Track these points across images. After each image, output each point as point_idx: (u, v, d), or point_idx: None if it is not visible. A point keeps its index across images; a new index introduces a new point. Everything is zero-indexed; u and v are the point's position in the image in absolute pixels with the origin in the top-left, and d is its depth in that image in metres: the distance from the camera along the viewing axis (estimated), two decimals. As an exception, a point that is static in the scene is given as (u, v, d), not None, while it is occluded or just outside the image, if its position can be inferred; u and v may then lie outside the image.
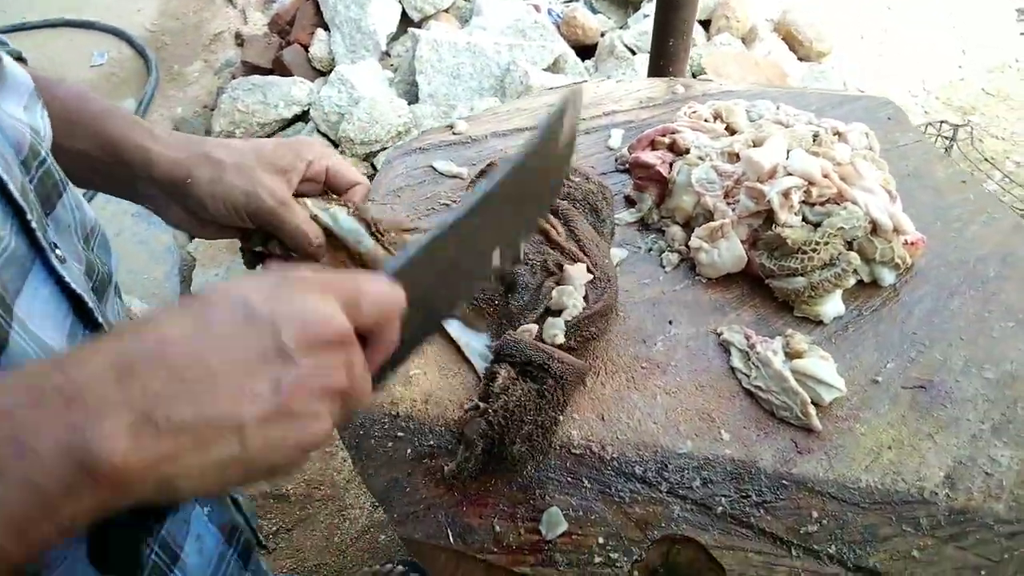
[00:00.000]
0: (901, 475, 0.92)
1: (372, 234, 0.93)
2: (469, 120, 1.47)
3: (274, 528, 2.48)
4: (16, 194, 0.62)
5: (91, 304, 0.71)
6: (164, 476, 0.45)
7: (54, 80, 0.85)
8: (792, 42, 3.66)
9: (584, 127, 1.43)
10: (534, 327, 1.04)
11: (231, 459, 0.48)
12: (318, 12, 4.15)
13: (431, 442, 1.00)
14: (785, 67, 3.38)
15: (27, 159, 0.69)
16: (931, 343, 1.06)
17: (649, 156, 1.25)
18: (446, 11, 4.16)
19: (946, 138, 2.92)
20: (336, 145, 3.50)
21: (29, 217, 0.63)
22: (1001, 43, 3.93)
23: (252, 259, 0.95)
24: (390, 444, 1.01)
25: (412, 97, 3.71)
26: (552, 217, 1.16)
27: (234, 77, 4.21)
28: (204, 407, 0.46)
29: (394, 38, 4.13)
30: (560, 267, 1.09)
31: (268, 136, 3.91)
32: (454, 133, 1.44)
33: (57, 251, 0.67)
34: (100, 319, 0.72)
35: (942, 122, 2.85)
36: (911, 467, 0.93)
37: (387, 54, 4.12)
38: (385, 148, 3.37)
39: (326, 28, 4.14)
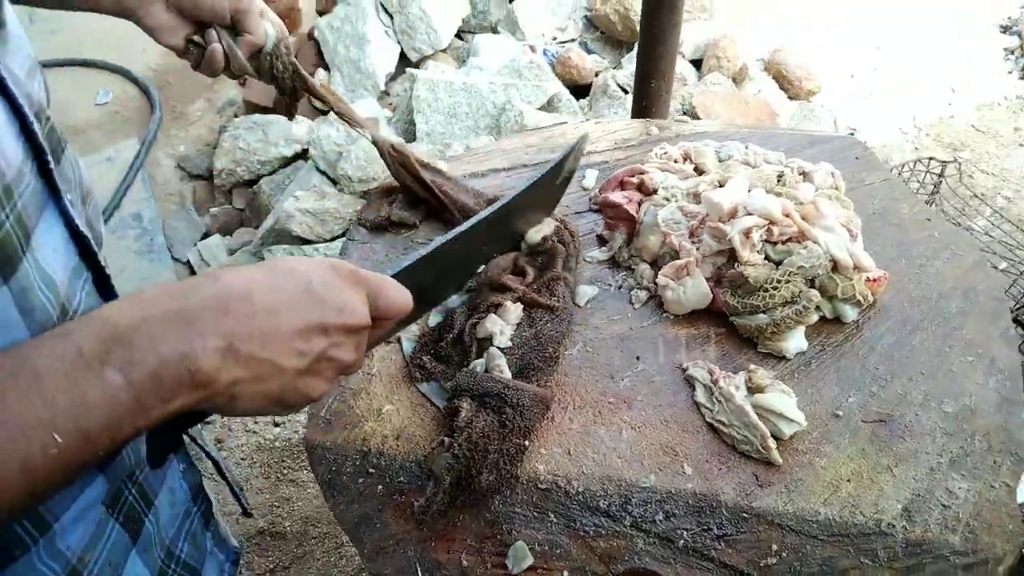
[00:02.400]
0: (859, 508, 0.94)
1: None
2: (450, 160, 1.51)
3: (271, 566, 2.49)
4: (40, 136, 0.69)
5: (95, 247, 0.78)
6: (232, 393, 0.61)
7: None
8: (782, 81, 3.71)
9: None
10: (482, 361, 1.07)
11: (270, 394, 0.65)
12: (319, 52, 4.24)
13: (401, 479, 1.02)
14: (775, 106, 3.44)
15: (38, 113, 0.74)
16: (892, 378, 1.08)
17: (617, 196, 1.28)
18: (444, 51, 4.25)
19: (935, 174, 2.95)
20: (335, 183, 3.56)
21: (48, 159, 0.70)
22: (989, 80, 3.99)
23: (196, 52, 1.16)
24: (361, 480, 1.03)
25: (410, 136, 3.77)
26: (525, 258, 1.22)
27: (236, 116, 4.29)
28: (270, 351, 0.63)
29: (392, 78, 4.21)
30: (496, 306, 1.14)
31: (271, 173, 3.98)
32: (435, 174, 1.48)
33: (68, 196, 0.74)
34: (103, 264, 0.79)
35: (930, 159, 2.88)
36: (869, 500, 0.94)
37: (386, 93, 4.20)
38: (382, 186, 3.41)
39: (327, 68, 4.22)
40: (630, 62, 3.86)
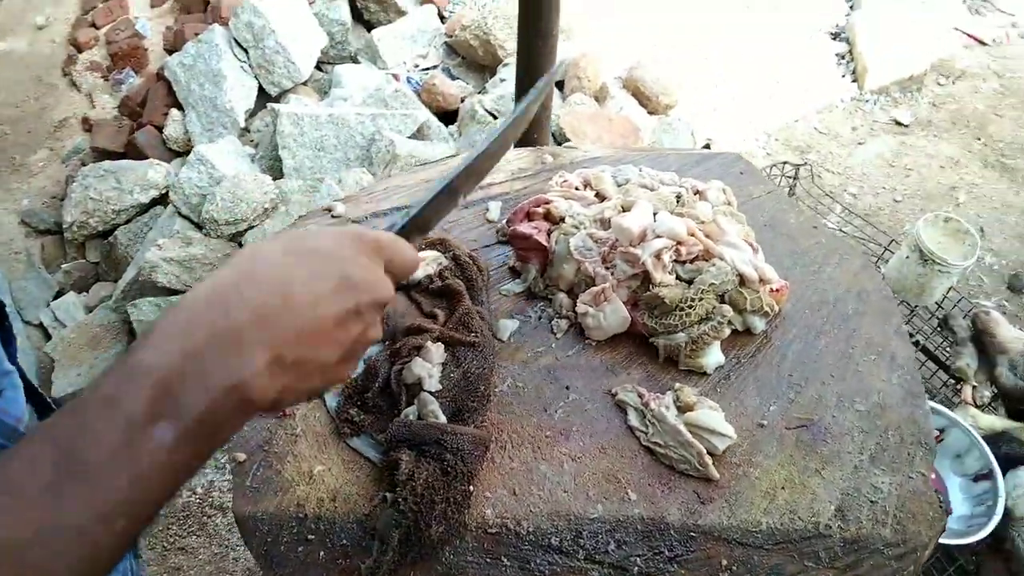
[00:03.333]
0: (797, 513, 0.98)
1: None
2: (346, 201, 1.47)
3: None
4: None
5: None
6: (277, 399, 0.58)
7: None
8: (640, 97, 3.86)
9: (464, 201, 1.46)
10: (413, 408, 1.05)
11: (312, 389, 0.62)
12: (171, 92, 4.05)
13: (344, 541, 0.98)
14: (637, 122, 3.57)
15: None
16: (806, 383, 1.14)
17: (526, 227, 1.29)
18: (304, 84, 4.16)
19: (789, 178, 3.14)
20: (200, 227, 3.40)
21: None
22: (827, 85, 4.30)
23: None
24: (300, 548, 0.98)
25: (277, 172, 3.66)
26: (424, 298, 1.22)
27: (84, 164, 4.03)
28: (314, 351, 0.60)
29: (252, 114, 4.08)
30: (418, 349, 1.12)
31: (127, 222, 3.76)
32: (333, 216, 1.44)
33: None
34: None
35: (784, 163, 3.06)
36: (804, 504, 0.99)
37: (246, 130, 4.06)
38: (252, 227, 3.30)
39: (180, 108, 4.05)
40: (495, 86, 3.91)
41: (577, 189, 1.39)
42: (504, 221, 1.38)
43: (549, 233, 1.29)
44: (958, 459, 1.85)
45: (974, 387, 2.38)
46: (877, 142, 3.96)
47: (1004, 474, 1.83)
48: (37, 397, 0.84)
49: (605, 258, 1.22)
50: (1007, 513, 1.77)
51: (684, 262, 1.20)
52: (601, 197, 1.37)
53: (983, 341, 2.48)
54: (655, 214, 1.23)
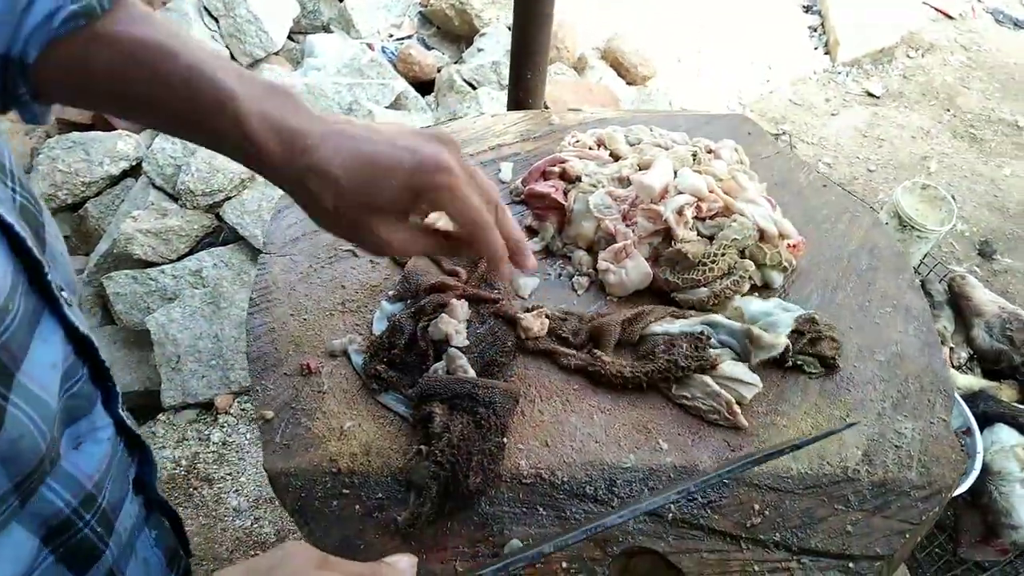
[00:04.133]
0: (825, 459, 1.00)
1: None
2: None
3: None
4: (35, 250, 0.57)
5: (96, 344, 0.68)
6: None
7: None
8: (619, 68, 3.86)
9: (474, 162, 1.45)
10: (442, 364, 1.05)
11: None
12: (138, 61, 3.94)
13: (379, 494, 0.98)
14: (616, 92, 3.57)
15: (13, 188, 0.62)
16: (826, 335, 1.16)
17: (543, 186, 1.29)
18: (276, 54, 4.08)
19: (769, 146, 3.17)
20: (176, 199, 3.34)
21: (47, 270, 0.59)
22: (800, 57, 4.35)
23: None
24: (335, 503, 0.98)
25: (252, 142, 3.60)
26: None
27: (49, 136, 3.92)
28: None
29: (224, 84, 4.00)
30: (442, 306, 1.12)
31: (98, 194, 3.67)
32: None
33: (64, 294, 0.63)
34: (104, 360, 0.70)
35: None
36: (832, 450, 1.01)
37: (218, 100, 3.98)
38: (230, 198, 3.25)
39: (149, 78, 3.95)
40: (472, 56, 3.87)
41: (591, 149, 1.39)
42: (519, 181, 1.37)
43: (566, 192, 1.29)
44: (943, 416, 1.91)
45: (951, 348, 2.45)
46: (850, 113, 4.02)
47: (981, 431, 1.90)
48: (130, 433, 0.81)
49: (625, 215, 1.22)
50: (984, 468, 1.84)
51: (704, 218, 1.21)
52: (615, 156, 1.37)
53: (959, 304, 2.55)
54: (675, 172, 1.24)
